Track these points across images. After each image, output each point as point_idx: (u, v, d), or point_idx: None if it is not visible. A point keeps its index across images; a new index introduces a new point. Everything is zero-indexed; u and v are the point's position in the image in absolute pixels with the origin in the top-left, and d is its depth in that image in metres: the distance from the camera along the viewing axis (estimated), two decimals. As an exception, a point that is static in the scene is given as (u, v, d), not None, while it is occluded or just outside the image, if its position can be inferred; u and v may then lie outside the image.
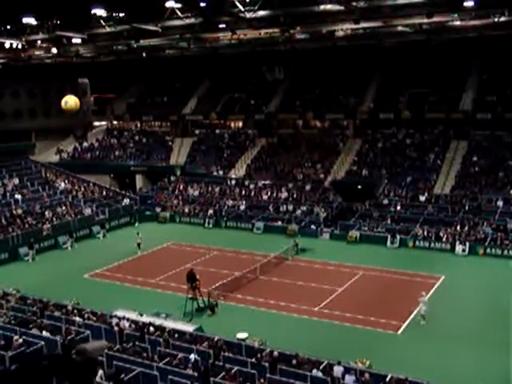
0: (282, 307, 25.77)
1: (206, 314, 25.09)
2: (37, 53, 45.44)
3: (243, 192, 45.62)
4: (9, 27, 38.20)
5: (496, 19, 31.81)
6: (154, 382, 16.83)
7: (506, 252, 33.30)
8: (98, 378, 15.39)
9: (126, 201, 45.45)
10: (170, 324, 22.13)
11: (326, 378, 17.01)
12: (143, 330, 20.61)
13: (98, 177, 49.94)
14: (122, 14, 34.90)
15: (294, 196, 43.60)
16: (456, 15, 32.45)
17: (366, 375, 17.16)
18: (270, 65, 55.92)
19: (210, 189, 47.05)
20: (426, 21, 32.36)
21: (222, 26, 35.78)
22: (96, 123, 61.46)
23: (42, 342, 18.56)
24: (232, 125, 56.76)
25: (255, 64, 54.19)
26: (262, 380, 16.51)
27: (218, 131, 55.64)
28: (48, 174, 47.88)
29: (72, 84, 53.84)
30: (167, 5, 31.27)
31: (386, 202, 40.84)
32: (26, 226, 37.68)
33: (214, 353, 18.53)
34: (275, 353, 18.40)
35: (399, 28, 36.35)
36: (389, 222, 38.29)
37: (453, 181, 41.52)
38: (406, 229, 36.91)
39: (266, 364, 17.73)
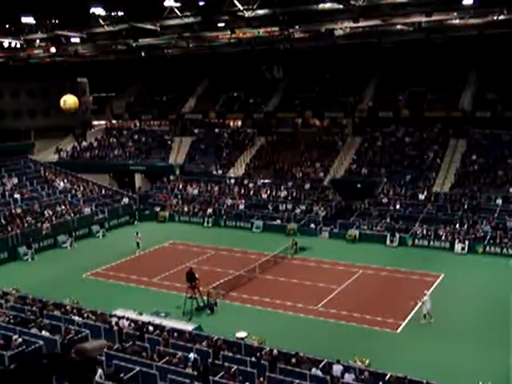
0: (281, 306, 25.78)
1: (205, 313, 25.10)
2: (36, 52, 45.38)
3: (242, 191, 45.63)
4: (8, 26, 38.15)
5: (495, 17, 31.80)
6: (153, 381, 16.83)
7: (505, 250, 33.32)
8: (97, 377, 15.39)
9: (126, 200, 45.46)
10: (169, 323, 22.13)
11: (326, 377, 17.02)
12: (142, 330, 20.62)
13: (98, 176, 49.95)
14: (120, 13, 34.85)
15: (294, 195, 43.61)
16: (455, 13, 32.44)
17: (366, 374, 17.18)
18: (269, 64, 55.92)
19: (209, 188, 47.06)
20: (425, 19, 32.35)
21: (220, 24, 35.76)
22: (95, 122, 61.45)
23: (42, 342, 18.56)
24: (231, 124, 56.76)
25: (254, 63, 54.16)
26: (261, 379, 16.51)
27: (217, 130, 55.63)
28: (47, 174, 47.86)
29: (71, 83, 53.79)
30: (166, 4, 31.24)
31: (385, 200, 40.85)
32: (26, 225, 37.66)
33: (213, 352, 18.53)
34: (275, 351, 18.41)
35: (398, 26, 36.32)
36: (388, 220, 38.29)
37: (452, 179, 41.54)
38: (406, 227, 36.92)
39: (266, 363, 17.74)
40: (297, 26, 36.68)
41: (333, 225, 39.23)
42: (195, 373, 16.90)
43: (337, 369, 17.42)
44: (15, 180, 44.67)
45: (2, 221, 37.47)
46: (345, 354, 19.13)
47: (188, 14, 33.60)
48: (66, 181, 47.01)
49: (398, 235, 36.09)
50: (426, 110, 46.83)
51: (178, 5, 31.55)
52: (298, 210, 41.50)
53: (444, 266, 31.23)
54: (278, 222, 40.50)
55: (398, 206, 39.82)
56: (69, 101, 30.93)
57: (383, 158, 45.44)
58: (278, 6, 32.03)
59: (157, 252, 36.10)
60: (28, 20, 34.58)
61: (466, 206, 37.99)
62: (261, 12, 32.16)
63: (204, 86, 59.07)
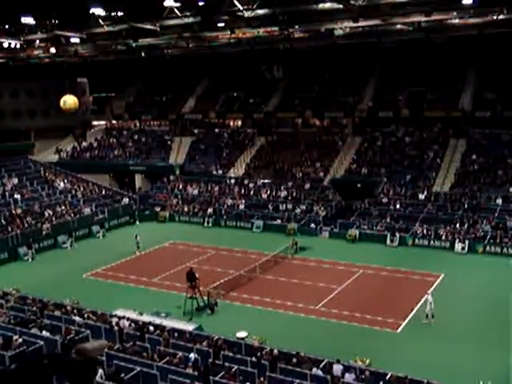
0: (281, 306, 25.78)
1: (205, 313, 25.10)
2: (35, 52, 45.40)
3: (242, 191, 45.63)
4: (7, 27, 38.14)
5: (495, 17, 31.79)
6: (153, 381, 16.83)
7: (505, 250, 33.31)
8: (98, 378, 15.39)
9: (126, 200, 45.46)
10: (169, 323, 22.13)
11: (326, 377, 17.02)
12: (143, 330, 20.62)
13: (98, 176, 49.95)
14: (120, 14, 34.84)
15: (294, 195, 43.61)
16: (455, 13, 32.43)
17: (366, 373, 17.18)
18: (268, 63, 55.91)
19: (209, 188, 47.06)
20: (424, 19, 32.34)
21: (220, 24, 35.76)
22: (95, 123, 61.43)
23: (42, 342, 18.56)
24: (231, 124, 56.75)
25: (254, 63, 54.16)
26: (261, 379, 16.51)
27: (217, 130, 55.62)
28: (47, 174, 47.86)
29: (71, 83, 53.79)
30: (166, 4, 31.24)
31: (385, 200, 40.84)
32: (26, 225, 37.67)
33: (213, 352, 18.53)
34: (275, 351, 18.41)
35: (398, 26, 36.32)
36: (388, 220, 38.29)
37: (452, 179, 41.53)
38: (406, 227, 36.92)
39: (266, 363, 17.74)
40: (296, 26, 36.67)
41: (333, 225, 39.22)
42: (196, 373, 16.90)
43: (337, 368, 17.42)
44: (15, 180, 44.68)
45: (2, 221, 37.48)
46: (345, 354, 19.14)
47: (188, 14, 33.59)
48: (66, 181, 47.01)
49: (398, 235, 36.08)
50: (425, 110, 46.81)
51: (178, 5, 31.54)
52: (298, 210, 41.50)
53: (444, 265, 31.24)
54: (278, 221, 40.50)
55: (398, 206, 39.82)
56: (69, 101, 30.93)
57: (383, 158, 45.44)
58: (277, 6, 32.02)
59: (157, 252, 36.09)
60: (28, 20, 34.57)
61: (466, 206, 37.99)
62: (260, 12, 32.16)
63: (204, 85, 59.06)
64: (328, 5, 30.87)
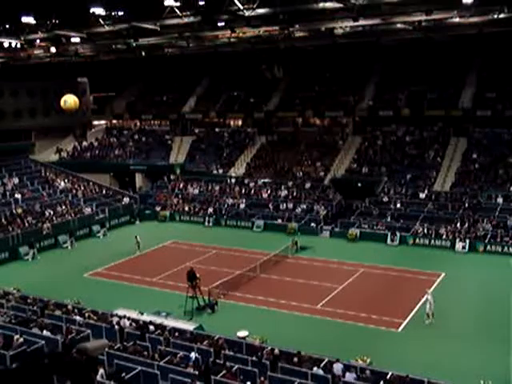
0: (282, 305, 25.78)
1: (206, 312, 25.11)
2: (36, 52, 45.36)
3: (243, 190, 45.63)
4: (8, 26, 38.11)
5: (495, 16, 31.74)
6: (154, 380, 16.84)
7: (506, 249, 33.32)
8: (98, 377, 15.40)
9: (126, 200, 45.48)
10: (170, 323, 22.15)
11: (327, 376, 17.02)
12: (144, 329, 20.63)
13: (98, 176, 49.99)
14: (120, 13, 34.82)
15: (294, 194, 43.60)
16: (455, 12, 32.38)
17: (367, 372, 17.19)
18: (269, 63, 55.89)
19: (209, 187, 47.07)
20: (425, 18, 32.30)
21: (220, 24, 35.71)
22: (95, 122, 61.44)
23: (43, 342, 18.58)
24: (231, 123, 56.75)
25: (254, 62, 54.16)
26: (262, 378, 16.52)
27: (217, 130, 55.63)
28: (48, 174, 47.89)
29: (71, 83, 53.78)
30: (166, 3, 31.17)
31: (385, 199, 40.85)
32: (26, 225, 37.69)
33: (214, 351, 18.54)
34: (276, 351, 18.41)
35: (398, 25, 36.27)
36: (389, 219, 38.30)
37: (453, 178, 41.53)
38: (406, 226, 36.93)
39: (267, 362, 17.74)
40: (297, 25, 36.62)
41: (333, 224, 39.25)
42: (196, 372, 16.90)
43: (337, 367, 17.42)
44: (16, 180, 44.70)
45: (3, 221, 37.49)
46: (346, 353, 19.15)
47: (188, 13, 33.55)
48: (66, 181, 47.03)
49: (398, 234, 36.09)
50: (426, 109, 46.83)
51: (178, 4, 31.50)
52: (298, 210, 41.51)
53: (445, 264, 31.25)
54: (279, 221, 40.51)
55: (398, 205, 39.82)
56: (69, 101, 30.85)
57: (384, 157, 45.44)
58: (278, 5, 31.99)
59: (157, 252, 36.11)
60: (28, 20, 34.52)
61: (466, 205, 37.99)
62: (261, 11, 32.10)
63: (204, 85, 59.08)
64: (328, 4, 30.81)
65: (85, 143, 56.58)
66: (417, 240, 35.79)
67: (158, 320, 22.31)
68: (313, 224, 39.34)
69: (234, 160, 50.24)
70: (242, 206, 43.38)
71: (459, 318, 24.17)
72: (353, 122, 50.61)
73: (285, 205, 42.43)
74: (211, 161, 50.76)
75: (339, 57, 50.47)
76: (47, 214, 39.73)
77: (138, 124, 59.58)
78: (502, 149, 42.63)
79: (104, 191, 46.91)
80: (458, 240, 34.47)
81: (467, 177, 41.12)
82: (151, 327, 20.94)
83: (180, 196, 46.66)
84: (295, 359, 18.02)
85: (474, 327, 23.14)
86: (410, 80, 48.98)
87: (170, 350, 18.82)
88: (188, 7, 32.75)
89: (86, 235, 39.91)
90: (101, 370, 15.96)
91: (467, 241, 34.20)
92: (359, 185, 43.15)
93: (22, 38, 39.23)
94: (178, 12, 32.84)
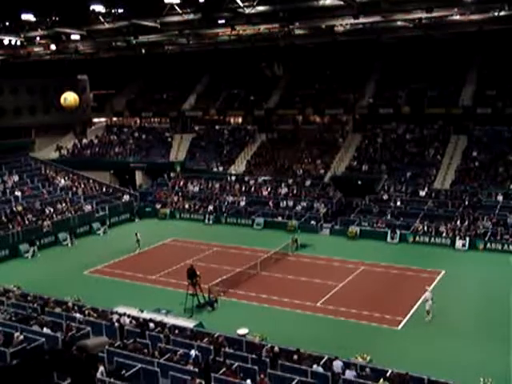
0: (282, 303, 25.79)
1: (206, 310, 25.12)
2: (36, 49, 45.31)
3: (243, 188, 45.62)
4: (8, 24, 38.09)
5: (496, 13, 31.70)
6: (154, 377, 16.85)
7: (506, 247, 33.33)
8: (98, 375, 15.41)
9: (126, 197, 45.49)
10: (170, 320, 22.17)
11: (327, 374, 17.03)
12: (144, 327, 20.64)
13: (98, 173, 49.96)
14: (120, 10, 34.79)
15: (294, 192, 43.58)
16: (456, 9, 32.34)
17: (367, 370, 17.20)
18: (269, 60, 55.83)
19: (209, 185, 47.05)
20: (425, 15, 32.25)
21: (221, 21, 35.68)
22: (95, 120, 61.43)
23: (43, 339, 18.59)
24: (232, 121, 56.71)
25: (254, 60, 54.10)
26: (262, 375, 16.53)
27: (217, 127, 55.58)
28: (48, 171, 47.88)
29: (71, 80, 53.75)
30: (166, 1, 31.14)
31: (385, 197, 40.84)
32: (26, 222, 37.69)
33: (214, 349, 18.56)
34: (276, 348, 18.43)
35: (399, 23, 36.23)
36: (389, 217, 38.29)
37: (453, 176, 41.50)
38: (406, 224, 36.92)
39: (267, 359, 17.75)
40: (297, 23, 36.57)
41: (334, 222, 39.26)
42: (196, 370, 16.92)
43: (336, 365, 17.43)
44: (16, 177, 44.70)
45: (3, 218, 37.50)
46: (346, 351, 19.18)
47: (188, 10, 33.52)
48: (66, 178, 47.01)
49: (398, 232, 36.10)
50: (426, 107, 46.80)
51: (178, 1, 31.46)
52: (298, 207, 41.50)
53: (445, 262, 31.25)
54: (279, 219, 40.51)
55: (398, 203, 39.81)
56: (69, 98, 30.79)
57: (384, 155, 45.40)
58: (278, 3, 31.96)
59: (158, 249, 36.12)
60: (28, 17, 34.49)
61: (466, 203, 37.98)
62: (261, 8, 32.08)
63: (204, 83, 59.03)
64: (328, 1, 30.79)
65: (85, 141, 56.55)
66: (417, 238, 35.79)
67: (158, 317, 22.32)
68: (313, 222, 39.34)
69: (234, 157, 50.22)
70: (242, 203, 43.37)
71: (459, 315, 24.18)
72: (353, 119, 50.57)
73: (285, 202, 42.42)
74: (211, 158, 50.74)
75: (339, 54, 50.40)
76: (47, 211, 39.74)
77: (138, 121, 59.57)
78: (502, 146, 42.59)
79: (104, 189, 46.89)
80: (458, 238, 34.48)
81: (467, 174, 41.10)
82: (151, 325, 20.96)
83: (180, 194, 46.64)
84: (295, 357, 18.04)
85: (474, 325, 23.16)
86: (410, 78, 48.93)
87: (170, 348, 18.83)
88: (188, 4, 32.73)
89: (86, 233, 39.93)
90: (101, 368, 15.99)
91: (467, 238, 34.20)
92: (359, 182, 43.13)
93: (22, 36, 39.22)
94: (178, 9, 32.82)
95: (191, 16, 34.08)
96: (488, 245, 33.74)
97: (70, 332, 19.66)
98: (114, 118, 60.62)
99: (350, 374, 16.98)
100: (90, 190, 45.81)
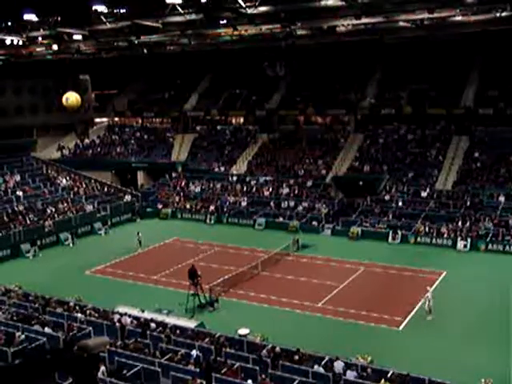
0: (283, 303, 25.79)
1: (207, 310, 25.12)
2: (38, 49, 45.41)
3: (245, 188, 45.61)
4: (10, 24, 38.15)
5: (498, 14, 31.69)
6: (155, 377, 16.86)
7: (507, 248, 33.26)
8: (100, 374, 15.43)
9: (128, 197, 45.51)
10: (171, 320, 22.18)
11: (328, 374, 17.02)
12: (145, 327, 20.65)
13: (100, 173, 49.98)
14: (122, 10, 34.84)
15: (296, 192, 43.57)
16: (458, 10, 32.34)
17: (368, 371, 17.19)
18: (270, 61, 55.79)
19: (211, 185, 47.05)
20: (427, 16, 32.26)
21: (222, 22, 35.72)
22: (97, 120, 61.46)
23: (44, 338, 18.63)
24: (233, 121, 56.72)
25: (256, 60, 54.03)
26: (263, 376, 16.54)
27: (219, 127, 55.61)
28: (49, 171, 47.92)
29: (73, 80, 53.82)
30: (168, 1, 31.19)
31: (387, 197, 40.80)
32: (28, 222, 37.73)
33: (215, 349, 18.56)
34: (277, 348, 18.43)
35: (401, 23, 36.23)
36: (390, 217, 38.25)
37: (454, 176, 41.45)
38: (408, 225, 36.89)
39: (268, 360, 17.76)
40: (299, 23, 36.60)
41: (335, 222, 39.22)
42: (198, 369, 16.93)
43: (337, 366, 17.43)
44: (18, 177, 44.73)
45: (5, 218, 37.53)
46: (347, 351, 19.16)
47: (190, 10, 33.55)
48: (68, 178, 47.05)
49: (400, 232, 36.07)
50: (428, 107, 46.77)
51: (180, 1, 31.50)
52: (300, 208, 41.49)
53: (446, 263, 31.20)
54: (281, 219, 40.50)
55: (400, 204, 39.77)
56: (71, 98, 30.90)
57: (385, 156, 45.37)
58: (280, 3, 31.99)
59: (159, 249, 36.13)
60: (30, 17, 34.56)
61: (468, 204, 37.92)
62: (263, 9, 32.12)
63: (206, 83, 59.05)
64: (330, 2, 30.81)
65: (86, 141, 56.60)
66: (418, 238, 35.74)
67: (160, 317, 22.33)
68: (314, 222, 39.32)
69: (235, 158, 50.22)
70: (244, 203, 43.36)
71: (460, 316, 24.14)
72: (355, 120, 50.53)
73: (286, 203, 42.41)
74: (213, 158, 50.74)
75: (341, 55, 50.35)
76: (49, 211, 39.77)
77: (140, 121, 59.61)
78: (504, 147, 42.50)
79: (106, 189, 46.91)
80: (459, 239, 34.42)
81: (469, 175, 41.05)
82: (152, 325, 20.97)
83: (182, 194, 46.66)
84: (296, 357, 18.04)
85: (474, 325, 23.12)
86: (412, 78, 48.91)
87: (171, 348, 18.84)
88: (190, 5, 32.77)
89: (87, 233, 39.95)
90: (102, 367, 16.00)
91: (469, 239, 34.15)
92: (361, 183, 43.08)
93: (24, 36, 39.30)
94: (180, 9, 32.85)
95: (193, 16, 34.13)
96: (489, 246, 33.68)
97: (71, 332, 19.69)
98: (116, 118, 60.67)
99: (350, 375, 16.99)
100: (92, 190, 45.85)
